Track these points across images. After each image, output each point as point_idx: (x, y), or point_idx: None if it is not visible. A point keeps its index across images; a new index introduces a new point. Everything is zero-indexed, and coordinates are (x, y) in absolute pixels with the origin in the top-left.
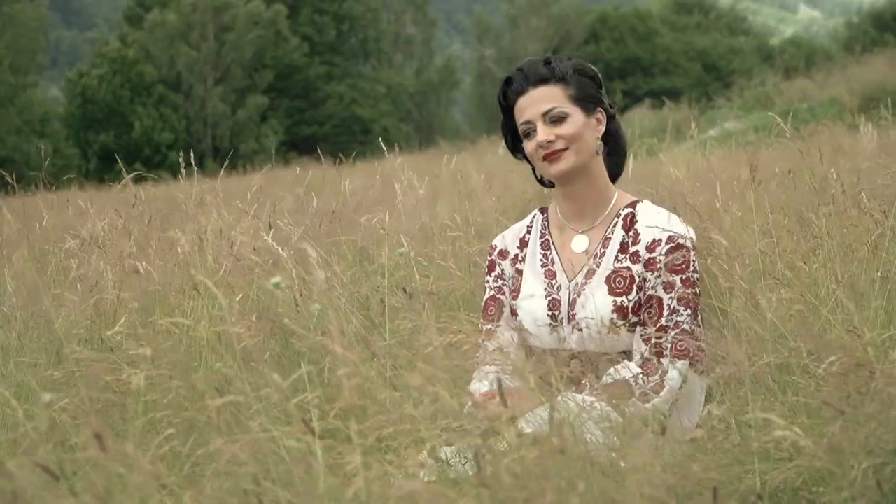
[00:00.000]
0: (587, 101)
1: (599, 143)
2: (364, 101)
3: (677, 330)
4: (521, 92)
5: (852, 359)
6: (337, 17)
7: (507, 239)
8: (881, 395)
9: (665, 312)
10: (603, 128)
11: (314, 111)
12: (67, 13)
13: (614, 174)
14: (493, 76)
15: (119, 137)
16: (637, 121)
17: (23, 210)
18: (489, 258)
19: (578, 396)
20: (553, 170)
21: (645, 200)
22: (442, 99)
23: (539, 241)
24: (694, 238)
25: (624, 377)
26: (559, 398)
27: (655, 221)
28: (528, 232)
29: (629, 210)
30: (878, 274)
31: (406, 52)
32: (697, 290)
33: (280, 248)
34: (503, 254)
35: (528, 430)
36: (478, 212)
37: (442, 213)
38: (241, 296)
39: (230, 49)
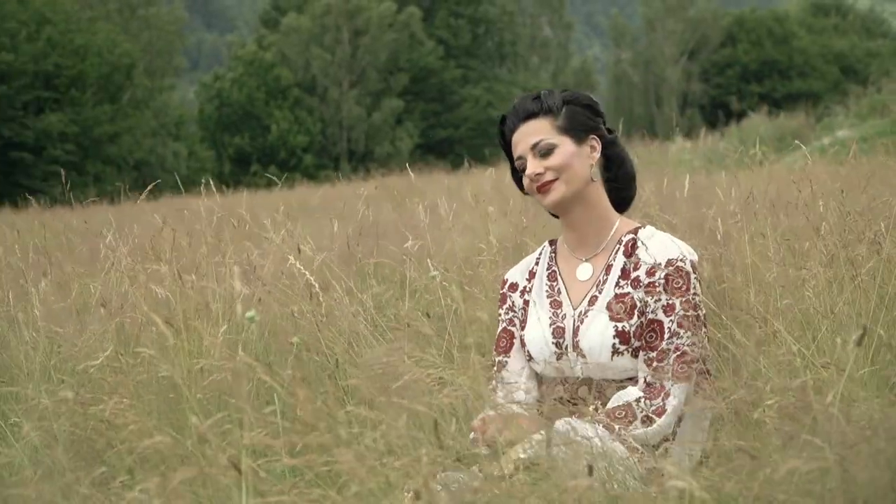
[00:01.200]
0: (577, 130)
1: (595, 170)
2: (499, 104)
3: (678, 353)
4: (514, 129)
5: (789, 400)
6: (472, 20)
7: (517, 271)
8: (810, 444)
9: (666, 336)
10: (597, 154)
11: (449, 114)
12: (208, 16)
13: (623, 200)
14: (630, 79)
15: (254, 140)
16: (752, 128)
17: (107, 219)
18: (501, 291)
19: (573, 421)
20: (546, 201)
21: (648, 226)
22: None
23: (546, 273)
24: (695, 260)
25: (626, 401)
26: (556, 423)
27: (656, 246)
28: (537, 264)
29: (631, 236)
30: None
31: (542, 54)
32: (700, 313)
33: (308, 273)
34: (513, 287)
35: (523, 455)
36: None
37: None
38: (224, 327)
39: (365, 52)
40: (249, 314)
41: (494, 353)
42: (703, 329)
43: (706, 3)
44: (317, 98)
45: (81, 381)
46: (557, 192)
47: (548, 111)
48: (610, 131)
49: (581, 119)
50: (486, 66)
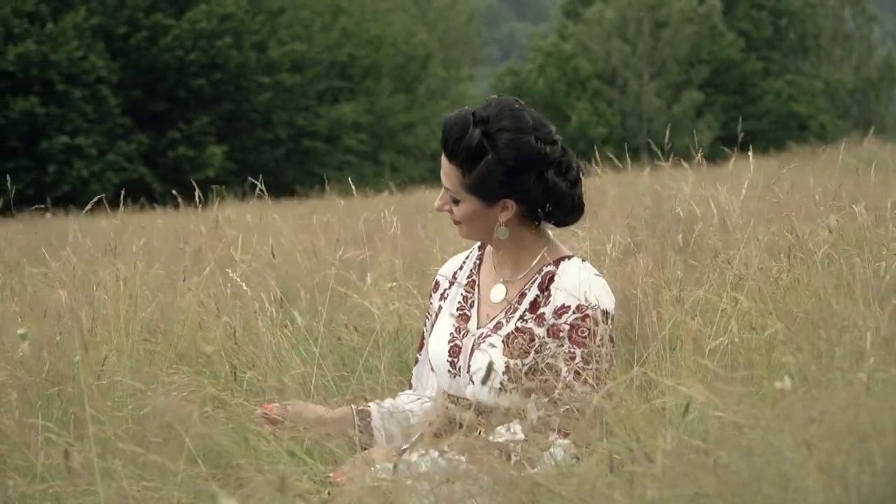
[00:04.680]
0: (486, 194)
1: (502, 228)
2: (801, 98)
3: (567, 407)
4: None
5: None
6: (774, 11)
7: (444, 270)
8: None
9: (559, 385)
10: (509, 214)
11: (751, 107)
12: (521, 6)
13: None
14: None
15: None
16: None
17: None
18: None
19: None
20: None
21: (574, 258)
22: (881, 96)
23: (466, 281)
24: (609, 309)
25: (507, 440)
26: (406, 455)
27: (571, 285)
28: (461, 269)
29: (551, 268)
30: None
31: (845, 47)
32: (604, 366)
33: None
34: (436, 286)
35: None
36: None
37: None
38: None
39: (665, 44)
40: (21, 332)
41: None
42: (603, 385)
43: None
44: (617, 90)
45: None
46: (461, 233)
47: (460, 163)
48: (540, 177)
49: (493, 184)
50: (787, 59)
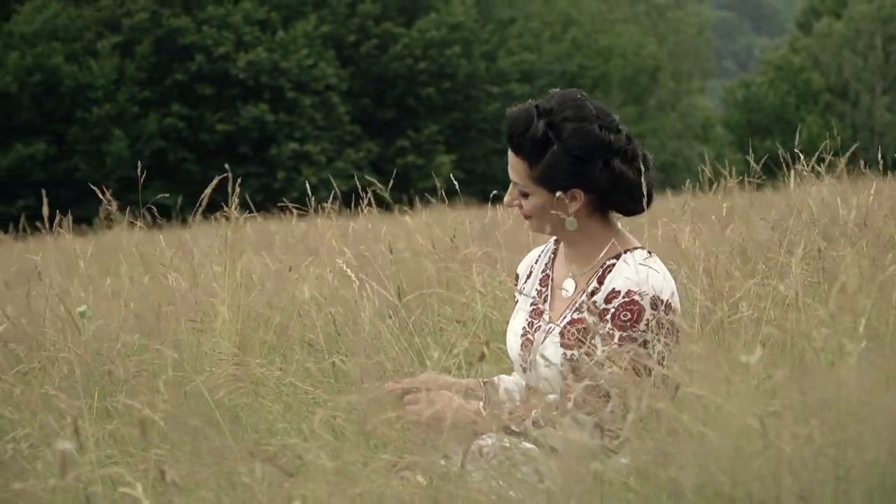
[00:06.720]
0: (554, 184)
1: (571, 219)
2: None
3: (591, 384)
4: (507, 143)
5: None
6: None
7: (523, 265)
8: None
9: (590, 363)
10: (578, 204)
11: None
12: (757, 19)
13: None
14: None
15: (784, 144)
16: None
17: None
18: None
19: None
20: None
21: (637, 250)
22: None
23: (540, 276)
24: (664, 299)
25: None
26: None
27: (627, 273)
28: (536, 262)
29: (613, 261)
30: None
31: None
32: (650, 351)
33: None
34: (516, 280)
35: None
36: None
37: None
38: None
39: None
40: (81, 309)
41: None
42: (644, 371)
43: None
44: (848, 103)
45: None
46: (532, 227)
47: (526, 156)
48: (606, 166)
49: (560, 175)
50: None
